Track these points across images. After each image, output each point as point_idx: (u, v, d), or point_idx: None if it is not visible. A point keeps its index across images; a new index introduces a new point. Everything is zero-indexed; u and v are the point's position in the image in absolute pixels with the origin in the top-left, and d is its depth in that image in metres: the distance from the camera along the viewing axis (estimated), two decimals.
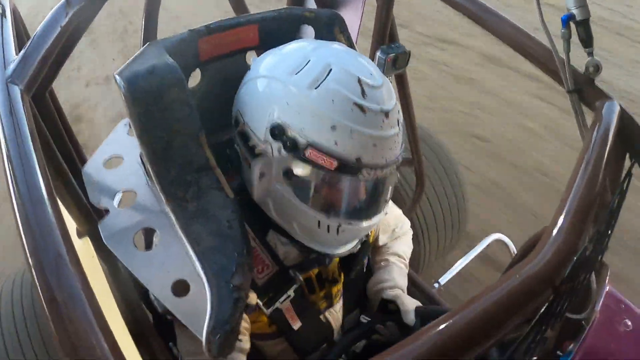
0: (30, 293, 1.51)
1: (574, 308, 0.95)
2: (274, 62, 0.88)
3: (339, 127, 0.80)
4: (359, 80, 0.81)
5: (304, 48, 0.89)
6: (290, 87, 0.82)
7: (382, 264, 1.26)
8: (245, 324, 0.98)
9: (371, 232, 1.16)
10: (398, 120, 0.86)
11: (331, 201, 0.89)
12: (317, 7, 1.48)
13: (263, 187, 0.89)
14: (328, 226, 0.90)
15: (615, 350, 0.96)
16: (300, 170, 0.84)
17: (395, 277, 1.22)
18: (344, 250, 1.00)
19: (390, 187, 0.95)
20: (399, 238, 1.32)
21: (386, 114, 0.83)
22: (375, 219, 0.95)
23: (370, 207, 0.93)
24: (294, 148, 0.82)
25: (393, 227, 1.30)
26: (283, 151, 0.83)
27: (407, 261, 1.31)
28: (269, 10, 1.02)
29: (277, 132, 0.83)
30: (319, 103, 0.80)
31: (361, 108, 0.80)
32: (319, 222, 0.89)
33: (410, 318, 1.12)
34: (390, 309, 1.17)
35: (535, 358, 0.93)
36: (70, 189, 1.02)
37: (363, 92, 0.81)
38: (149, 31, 1.30)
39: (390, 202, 1.27)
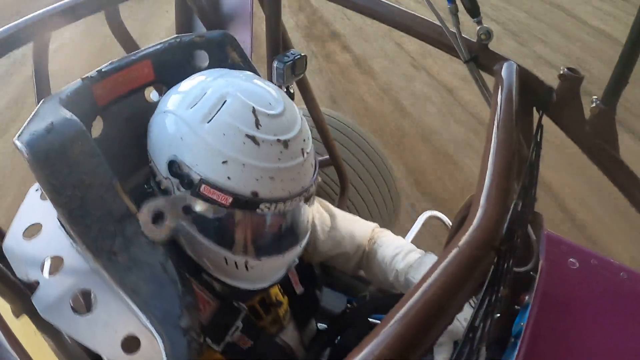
0: None
1: (520, 262, 0.99)
2: (177, 95, 0.86)
3: (231, 162, 0.77)
4: (254, 110, 0.79)
5: (204, 80, 0.87)
6: (185, 122, 0.80)
7: (401, 281, 1.17)
8: None
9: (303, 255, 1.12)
10: (303, 150, 0.83)
11: (233, 237, 0.86)
12: (206, 29, 1.47)
13: (168, 223, 0.84)
14: (235, 262, 0.88)
15: (569, 290, 1.01)
16: (198, 206, 0.81)
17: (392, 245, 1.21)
18: (264, 285, 0.96)
19: (303, 220, 0.93)
20: (378, 239, 1.27)
21: (285, 143, 0.80)
22: (288, 255, 0.92)
23: (280, 241, 0.91)
24: (190, 184, 0.80)
25: (349, 231, 1.27)
26: (182, 187, 0.81)
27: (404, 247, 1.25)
28: (159, 42, 1.00)
29: (174, 168, 0.81)
30: (210, 137, 0.78)
31: (254, 139, 0.77)
32: (225, 258, 0.87)
33: None
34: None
35: (497, 315, 0.96)
36: None
37: (257, 123, 0.78)
38: (41, 86, 1.25)
39: (337, 214, 1.27)
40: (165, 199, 0.82)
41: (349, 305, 1.24)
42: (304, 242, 0.95)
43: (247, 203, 0.79)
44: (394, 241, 1.25)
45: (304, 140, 0.84)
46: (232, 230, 0.86)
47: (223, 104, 0.79)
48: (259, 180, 0.78)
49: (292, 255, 0.93)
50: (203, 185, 0.79)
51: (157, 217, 0.80)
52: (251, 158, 0.78)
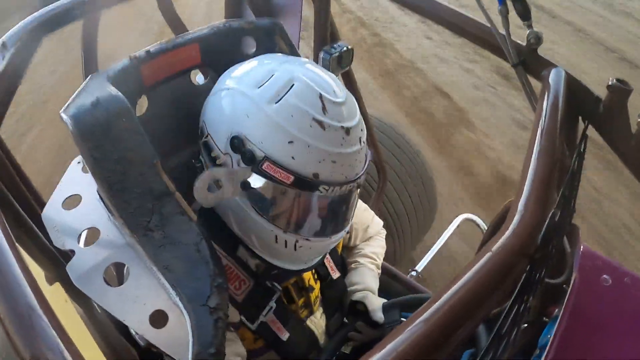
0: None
1: (552, 273, 0.97)
2: (240, 74, 0.88)
3: (297, 142, 0.80)
4: (321, 96, 0.82)
5: (270, 62, 0.89)
6: (251, 100, 0.82)
7: (353, 265, 1.27)
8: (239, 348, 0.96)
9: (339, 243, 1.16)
10: (360, 138, 0.86)
11: (288, 216, 0.88)
12: (255, 17, 1.48)
13: (223, 199, 0.87)
14: (285, 241, 0.90)
15: (599, 307, 0.98)
16: (257, 183, 0.83)
17: (365, 279, 1.23)
18: (305, 267, 0.99)
19: (352, 205, 0.95)
20: (371, 239, 1.33)
21: (347, 130, 0.83)
22: (334, 237, 0.94)
23: (329, 224, 0.93)
24: (252, 160, 0.82)
25: (364, 228, 1.31)
26: (242, 163, 0.83)
27: (380, 262, 1.33)
28: (207, 27, 1.01)
29: (237, 143, 0.83)
30: (278, 117, 0.80)
31: (320, 124, 0.80)
32: (276, 236, 0.89)
33: (378, 316, 1.14)
34: (359, 309, 1.19)
35: (524, 325, 0.95)
36: (32, 236, 0.99)
37: (324, 108, 0.81)
38: (90, 63, 1.28)
39: (362, 203, 1.29)
40: (226, 170, 0.84)
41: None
42: (348, 227, 0.98)
43: (308, 183, 0.82)
44: (376, 246, 1.34)
45: (362, 129, 0.88)
46: (288, 209, 0.88)
47: (291, 87, 0.82)
48: (321, 162, 0.81)
49: (338, 239, 0.96)
50: (266, 163, 0.81)
51: (212, 186, 0.84)
52: (317, 141, 0.80)
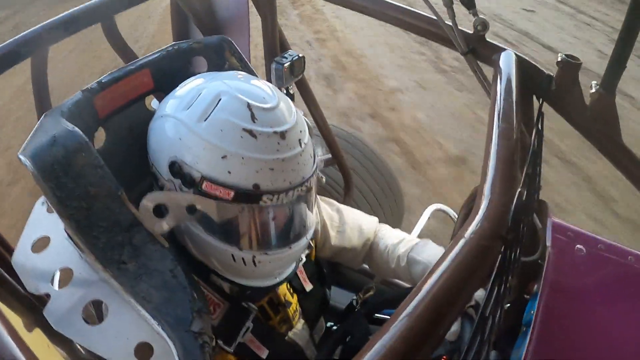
0: None
1: (527, 251, 0.99)
2: (173, 99, 0.87)
3: (230, 156, 0.78)
4: (249, 105, 0.80)
5: (199, 82, 0.88)
6: (182, 123, 0.81)
7: (403, 263, 1.21)
8: None
9: (313, 243, 1.15)
10: (300, 140, 0.84)
11: (239, 232, 0.87)
12: (203, 36, 1.47)
13: (173, 225, 0.85)
14: (243, 258, 0.88)
15: (577, 276, 1.00)
16: (201, 204, 0.82)
17: (428, 258, 1.18)
18: (274, 282, 0.98)
19: (307, 210, 0.94)
20: (379, 231, 1.32)
21: (281, 134, 0.81)
22: (295, 247, 0.92)
23: (286, 234, 0.91)
24: (192, 183, 0.81)
25: (358, 228, 1.30)
26: (184, 187, 0.82)
27: (406, 236, 1.30)
28: (157, 51, 1.00)
29: (175, 169, 0.82)
30: (208, 134, 0.79)
31: (251, 133, 0.79)
32: (232, 255, 0.88)
33: None
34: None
35: (507, 305, 0.96)
36: (5, 283, 0.96)
37: (253, 116, 0.80)
38: (42, 101, 1.25)
39: (348, 208, 1.28)
40: (166, 193, 0.83)
41: (355, 299, 1.23)
42: (309, 235, 0.95)
43: (250, 196, 0.81)
44: (394, 232, 1.31)
45: (301, 131, 0.85)
46: (237, 225, 0.86)
47: (218, 102, 0.81)
48: (259, 172, 0.80)
49: (300, 248, 0.94)
50: (205, 182, 0.80)
51: (159, 210, 0.82)
52: (250, 151, 0.79)
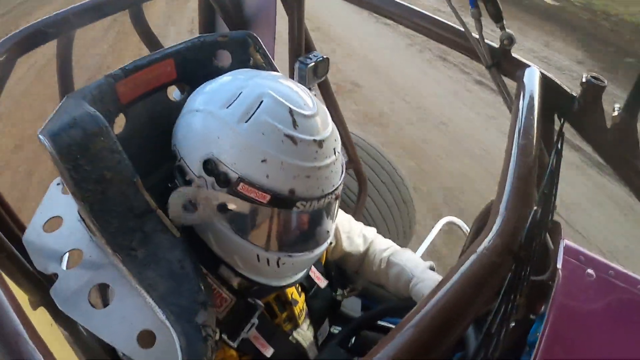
0: None
1: (537, 270, 0.98)
2: (208, 94, 0.87)
3: (270, 160, 0.79)
4: (291, 111, 0.81)
5: (237, 79, 0.88)
6: (221, 121, 0.81)
7: (382, 266, 1.27)
8: None
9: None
10: (335, 149, 0.85)
11: (268, 234, 0.87)
12: (229, 30, 1.48)
13: (201, 221, 0.87)
14: (267, 259, 0.89)
15: (585, 301, 0.99)
16: (234, 204, 0.83)
17: (402, 262, 1.24)
18: (290, 282, 0.99)
19: (332, 216, 0.95)
20: (374, 241, 1.34)
21: (319, 143, 0.82)
22: (317, 251, 0.93)
23: (310, 238, 0.93)
24: (227, 183, 0.81)
25: (361, 231, 1.32)
26: (217, 186, 0.82)
27: (394, 246, 1.33)
28: (182, 42, 1.01)
29: (210, 166, 0.82)
30: (249, 136, 0.79)
31: (292, 139, 0.79)
32: (257, 255, 0.88)
33: None
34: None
35: (513, 324, 0.95)
36: (14, 260, 0.97)
37: (294, 123, 0.80)
38: (65, 83, 1.26)
39: (350, 218, 1.29)
40: (198, 190, 0.83)
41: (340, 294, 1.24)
42: (330, 239, 0.96)
43: (285, 201, 0.81)
44: (385, 241, 1.34)
45: (335, 140, 0.86)
46: (267, 227, 0.87)
47: (260, 104, 0.80)
48: (296, 178, 0.80)
49: (320, 252, 0.95)
50: (241, 184, 0.80)
51: (188, 205, 0.83)
52: (289, 157, 0.79)
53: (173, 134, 0.90)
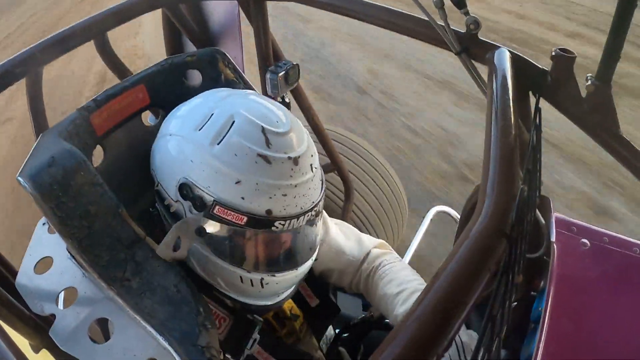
0: None
1: (532, 247, 0.99)
2: (181, 118, 0.86)
3: (244, 181, 0.78)
4: (263, 129, 0.80)
5: (208, 100, 0.87)
6: (194, 144, 0.80)
7: (374, 274, 1.19)
8: None
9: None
10: (312, 165, 0.84)
11: (249, 255, 0.87)
12: (196, 48, 1.48)
13: (183, 247, 0.85)
14: (251, 280, 0.88)
15: (583, 270, 1.00)
16: (212, 228, 0.82)
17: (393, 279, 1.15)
18: (277, 300, 0.97)
19: (315, 233, 0.94)
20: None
21: (295, 160, 0.81)
22: (301, 269, 0.92)
23: (293, 257, 0.91)
24: (203, 206, 0.80)
25: (357, 240, 1.25)
26: (193, 210, 0.81)
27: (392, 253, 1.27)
28: (151, 66, 1.01)
29: (185, 191, 0.81)
30: (222, 158, 0.78)
31: (265, 159, 0.78)
32: (240, 277, 0.88)
33: None
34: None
35: (515, 304, 0.96)
36: (10, 306, 0.96)
37: (267, 141, 0.79)
38: (39, 121, 1.25)
39: (345, 225, 1.26)
40: (178, 226, 0.81)
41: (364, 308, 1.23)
42: (314, 255, 0.95)
43: (262, 221, 0.80)
44: (399, 274, 1.16)
45: (312, 155, 0.85)
46: (247, 249, 0.86)
47: (232, 125, 0.79)
48: (272, 198, 0.79)
49: (305, 269, 0.94)
50: (217, 207, 0.79)
51: (175, 246, 0.81)
52: (264, 177, 0.78)
53: (151, 159, 0.89)
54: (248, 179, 0.78)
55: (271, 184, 0.78)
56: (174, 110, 0.91)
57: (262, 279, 0.88)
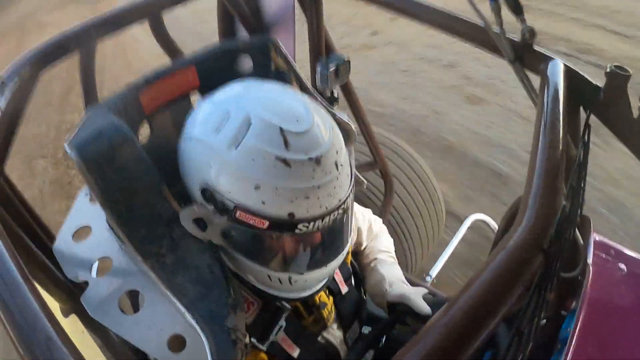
0: None
1: (567, 266, 0.97)
2: (199, 120, 0.84)
3: (263, 186, 0.75)
4: (281, 131, 0.76)
5: (225, 100, 0.84)
6: (213, 149, 0.78)
7: (372, 265, 1.26)
8: None
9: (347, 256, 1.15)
10: (336, 162, 0.80)
11: (274, 257, 0.86)
12: (249, 35, 1.49)
13: (209, 240, 0.85)
14: (279, 279, 0.88)
15: (617, 296, 0.98)
16: (235, 231, 0.81)
17: (388, 273, 1.22)
18: (309, 293, 0.97)
19: (344, 231, 0.91)
20: (377, 235, 1.33)
21: (317, 160, 0.77)
22: (331, 266, 0.91)
23: (321, 255, 0.90)
24: (225, 211, 0.79)
25: (368, 227, 1.31)
26: (217, 213, 0.80)
27: (393, 253, 1.32)
28: (203, 49, 1.02)
29: (207, 195, 0.80)
30: (240, 164, 0.76)
31: (285, 162, 0.75)
32: (269, 276, 0.88)
33: (426, 311, 1.10)
34: (401, 309, 1.15)
35: (543, 321, 0.94)
36: (45, 270, 0.99)
37: (286, 143, 0.75)
38: (90, 94, 1.28)
39: (357, 205, 1.28)
40: (204, 211, 0.80)
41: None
42: (346, 251, 0.94)
43: (285, 225, 0.78)
44: (388, 241, 1.34)
45: (337, 152, 0.81)
46: (273, 251, 0.86)
47: (249, 127, 0.76)
48: (294, 201, 0.77)
49: (334, 266, 0.93)
50: (238, 212, 0.78)
51: (199, 222, 0.81)
52: (283, 180, 0.75)
53: (178, 159, 0.88)
54: (267, 184, 0.75)
55: (292, 187, 0.76)
56: (194, 110, 0.88)
57: (290, 277, 0.88)
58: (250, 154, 0.75)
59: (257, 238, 0.83)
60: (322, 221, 0.80)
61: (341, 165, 0.82)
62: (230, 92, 0.86)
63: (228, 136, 0.77)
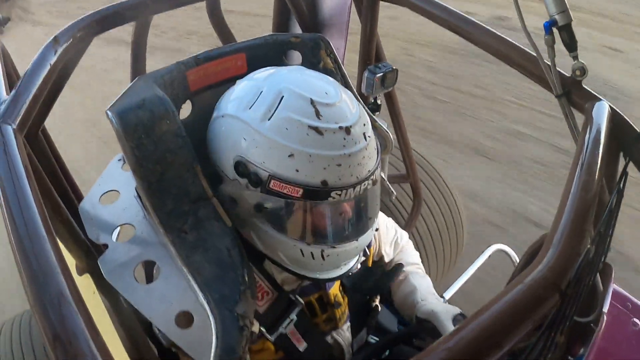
0: (29, 338, 1.49)
1: (582, 311, 0.95)
2: (231, 99, 0.88)
3: (297, 154, 0.79)
4: (312, 102, 0.81)
5: (256, 79, 0.89)
6: (245, 123, 0.82)
7: (401, 277, 1.25)
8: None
9: (370, 250, 1.16)
10: (364, 134, 0.84)
11: (308, 228, 0.88)
12: (302, 31, 1.50)
13: (243, 222, 0.89)
14: (312, 253, 0.89)
15: (626, 351, 0.95)
16: (270, 202, 0.83)
17: (420, 285, 1.22)
18: (338, 273, 0.98)
19: (373, 203, 0.94)
20: (404, 248, 1.32)
21: (347, 130, 0.81)
22: (362, 240, 0.93)
23: (352, 227, 0.92)
24: (259, 182, 0.82)
25: (394, 239, 1.31)
26: (250, 186, 0.83)
27: (421, 265, 1.32)
28: (256, 38, 1.03)
29: (241, 168, 0.83)
30: (273, 133, 0.79)
31: (317, 130, 0.79)
32: (301, 250, 0.89)
33: (449, 331, 1.09)
34: (427, 326, 1.15)
35: None
36: (68, 226, 1.01)
37: (317, 113, 0.80)
38: (138, 65, 1.31)
39: (383, 215, 1.29)
40: (237, 188, 0.84)
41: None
42: (375, 226, 0.96)
43: (318, 193, 0.81)
44: (414, 254, 1.34)
45: (364, 124, 0.85)
46: (305, 221, 0.87)
47: (281, 100, 0.81)
48: (326, 168, 0.80)
49: (366, 239, 0.94)
50: (272, 181, 0.81)
51: (229, 202, 0.84)
52: (317, 148, 0.79)
53: (207, 142, 0.91)
54: (301, 152, 0.79)
55: (325, 154, 0.79)
56: (225, 93, 0.92)
57: (322, 250, 0.89)
58: (284, 123, 0.80)
59: (291, 208, 0.85)
60: (354, 190, 0.83)
61: (369, 136, 0.86)
62: (263, 73, 0.91)
63: (261, 109, 0.81)
